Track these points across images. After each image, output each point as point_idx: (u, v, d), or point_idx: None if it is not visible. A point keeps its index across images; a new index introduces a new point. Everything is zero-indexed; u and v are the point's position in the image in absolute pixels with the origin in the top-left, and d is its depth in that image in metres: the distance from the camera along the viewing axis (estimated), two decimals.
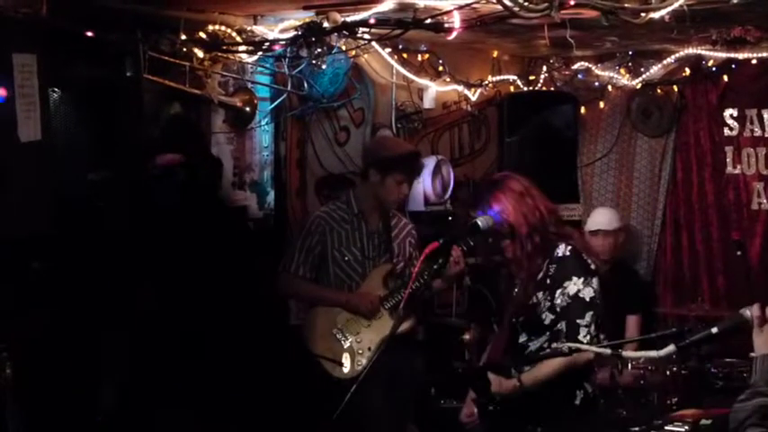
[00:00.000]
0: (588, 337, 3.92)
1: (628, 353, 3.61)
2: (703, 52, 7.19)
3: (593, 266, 4.06)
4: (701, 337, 2.90)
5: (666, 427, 5.23)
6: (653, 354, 3.04)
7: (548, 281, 4.03)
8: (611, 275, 7.17)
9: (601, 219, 7.31)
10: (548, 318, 4.02)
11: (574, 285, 3.98)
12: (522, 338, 4.08)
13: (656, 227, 8.08)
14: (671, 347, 2.91)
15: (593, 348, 3.47)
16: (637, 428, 5.60)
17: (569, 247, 4.06)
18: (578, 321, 3.95)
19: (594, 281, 4.02)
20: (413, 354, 6.02)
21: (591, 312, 3.96)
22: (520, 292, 4.09)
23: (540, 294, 4.03)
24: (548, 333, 4.02)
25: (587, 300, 3.97)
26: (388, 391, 5.51)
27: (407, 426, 5.97)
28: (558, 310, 4.00)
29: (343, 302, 5.53)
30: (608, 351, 3.30)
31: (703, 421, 4.73)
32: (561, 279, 4.00)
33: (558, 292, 3.99)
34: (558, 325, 4.00)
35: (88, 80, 5.39)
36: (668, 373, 6.06)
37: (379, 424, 5.53)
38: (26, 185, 4.99)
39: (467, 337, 6.02)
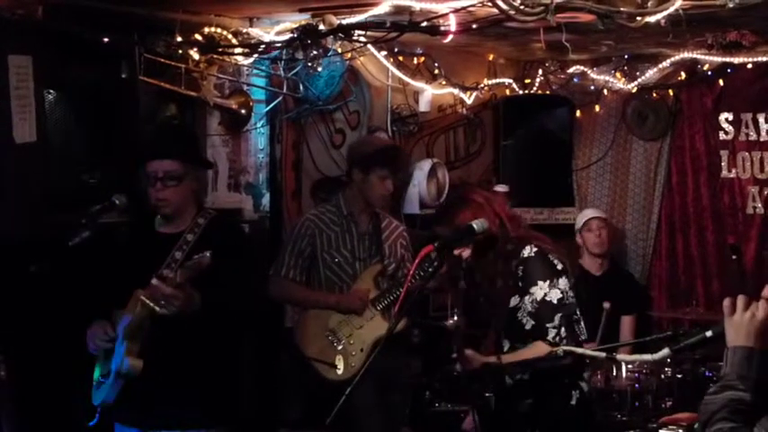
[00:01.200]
0: (557, 338, 3.96)
1: (622, 356, 3.59)
2: (699, 56, 7.20)
3: (559, 266, 4.10)
4: (695, 341, 2.89)
5: (661, 431, 5.24)
6: (647, 357, 3.04)
7: (519, 283, 4.07)
8: (605, 277, 7.22)
9: (592, 210, 7.40)
10: (528, 323, 4.04)
11: (540, 290, 4.03)
12: (506, 347, 4.10)
13: (652, 231, 8.09)
14: (665, 351, 2.90)
15: (588, 352, 3.48)
16: None
17: (535, 249, 4.10)
18: (547, 325, 4.00)
19: (561, 281, 4.05)
20: (408, 356, 6.02)
21: (560, 314, 4.00)
22: (494, 299, 4.11)
23: (515, 299, 4.07)
24: (531, 339, 4.03)
25: (555, 302, 4.01)
26: (382, 394, 5.51)
27: (402, 429, 5.96)
28: (531, 316, 4.03)
29: (334, 304, 5.52)
30: (602, 354, 3.30)
31: (698, 424, 4.73)
32: (528, 285, 4.05)
33: (527, 298, 4.04)
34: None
35: (84, 82, 5.38)
36: (663, 376, 6.06)
37: (374, 427, 5.52)
38: (21, 187, 5.00)
39: (449, 322, 5.94)
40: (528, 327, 4.03)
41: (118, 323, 4.26)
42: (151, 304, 4.08)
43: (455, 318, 5.14)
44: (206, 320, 4.21)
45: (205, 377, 4.33)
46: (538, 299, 4.01)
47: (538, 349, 3.95)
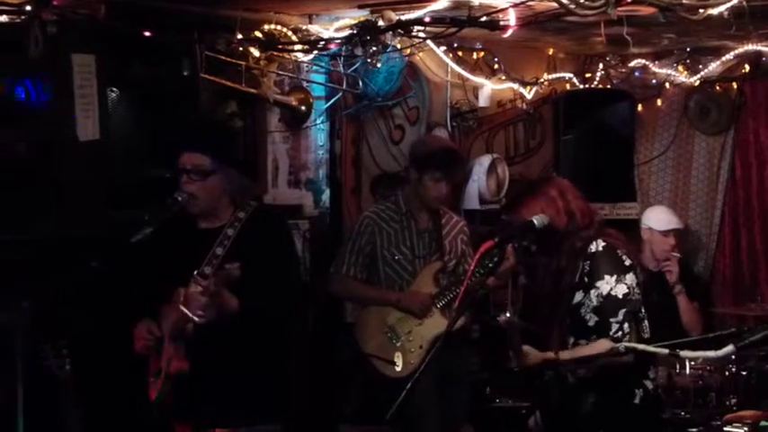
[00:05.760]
0: (620, 333, 3.92)
1: (686, 353, 3.56)
2: (763, 48, 7.11)
3: (627, 262, 4.03)
4: (760, 338, 2.87)
5: (725, 429, 5.19)
6: (711, 354, 3.01)
7: (585, 279, 4.01)
8: (662, 272, 7.11)
9: (672, 218, 7.15)
10: (592, 319, 4.00)
11: (606, 285, 3.97)
12: (570, 341, 4.07)
13: (715, 226, 7.99)
14: (730, 347, 2.88)
15: (651, 348, 3.44)
16: (695, 429, 5.57)
17: (603, 244, 4.03)
18: (611, 320, 3.95)
19: (629, 276, 3.99)
20: (468, 352, 6.01)
21: (624, 310, 3.95)
22: (557, 296, 4.08)
23: (580, 295, 4.02)
24: (594, 336, 3.99)
25: (620, 297, 3.96)
26: (442, 390, 5.51)
27: (462, 424, 5.96)
28: (595, 312, 3.99)
29: (394, 302, 5.52)
30: (665, 351, 3.26)
31: (763, 422, 4.68)
32: (594, 279, 3.99)
33: (593, 292, 3.99)
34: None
35: (146, 80, 5.44)
36: (727, 373, 5.99)
37: (434, 423, 5.53)
38: (85, 184, 5.07)
39: (502, 318, 5.83)
40: (591, 323, 4.00)
41: (163, 321, 4.28)
42: (188, 313, 4.10)
43: (508, 314, 5.13)
44: (247, 321, 4.21)
45: (254, 374, 4.30)
46: (603, 293, 3.97)
47: (599, 347, 3.91)
